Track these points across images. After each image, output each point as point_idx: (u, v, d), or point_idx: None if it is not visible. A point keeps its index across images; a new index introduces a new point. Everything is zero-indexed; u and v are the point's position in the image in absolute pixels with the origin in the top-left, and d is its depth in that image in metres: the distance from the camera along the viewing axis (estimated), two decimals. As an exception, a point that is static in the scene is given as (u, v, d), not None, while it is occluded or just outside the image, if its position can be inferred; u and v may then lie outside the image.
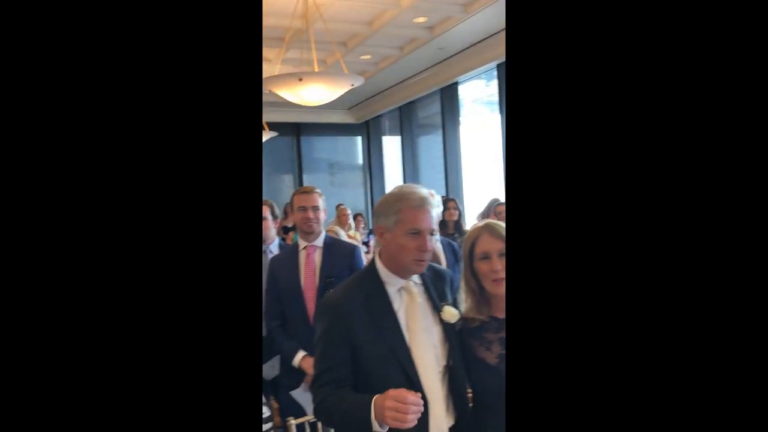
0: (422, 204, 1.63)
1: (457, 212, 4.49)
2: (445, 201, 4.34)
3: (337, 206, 6.69)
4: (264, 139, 7.00)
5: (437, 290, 1.73)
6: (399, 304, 1.67)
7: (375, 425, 1.41)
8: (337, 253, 2.84)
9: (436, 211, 1.67)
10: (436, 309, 1.69)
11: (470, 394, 1.73)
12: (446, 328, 1.69)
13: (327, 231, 3.13)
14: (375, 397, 1.42)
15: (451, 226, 4.37)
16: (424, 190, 1.68)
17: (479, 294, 1.68)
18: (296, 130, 9.44)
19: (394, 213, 1.65)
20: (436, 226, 1.66)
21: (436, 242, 1.60)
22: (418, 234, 1.62)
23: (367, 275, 1.74)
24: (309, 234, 2.92)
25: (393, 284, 1.69)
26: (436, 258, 3.44)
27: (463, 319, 1.70)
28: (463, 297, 1.73)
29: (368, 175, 9.98)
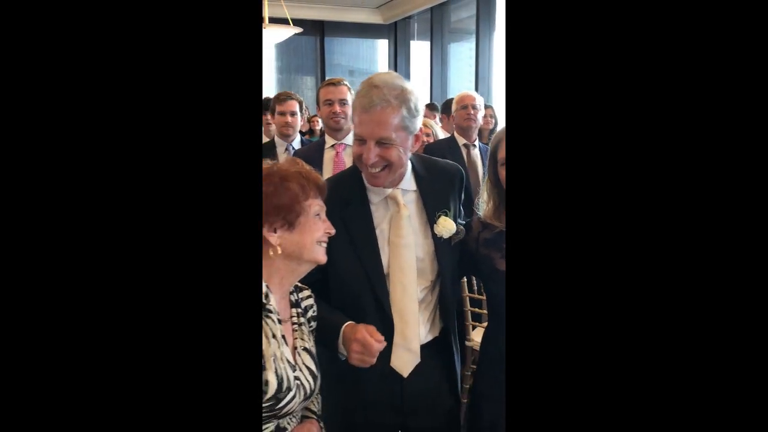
0: (369, 105, 1.38)
1: (493, 120, 4.20)
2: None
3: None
4: (287, 35, 6.65)
5: (438, 198, 1.53)
6: (383, 215, 1.51)
7: (340, 348, 1.39)
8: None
9: (410, 114, 1.42)
10: (431, 220, 1.51)
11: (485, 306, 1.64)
12: (440, 242, 1.52)
13: None
14: (344, 327, 1.38)
15: (485, 135, 4.09)
16: (390, 85, 1.40)
17: (500, 200, 1.54)
18: (320, 30, 9.01)
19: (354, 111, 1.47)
20: (392, 134, 1.39)
21: (399, 152, 1.44)
22: (363, 142, 1.42)
23: (349, 179, 1.55)
24: (337, 131, 2.67)
25: (376, 192, 1.51)
26: (472, 166, 3.19)
27: (482, 224, 1.57)
28: (485, 200, 1.58)
29: (393, 83, 9.54)
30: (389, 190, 1.50)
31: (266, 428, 1.27)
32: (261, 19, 0.86)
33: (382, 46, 9.73)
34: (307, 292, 1.46)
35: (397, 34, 9.32)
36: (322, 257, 1.33)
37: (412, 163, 1.54)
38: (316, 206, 1.32)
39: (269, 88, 8.60)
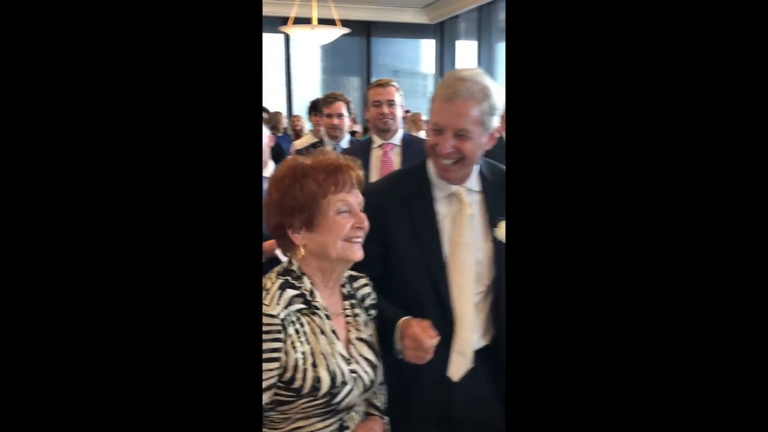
0: (452, 95, 1.37)
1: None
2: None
3: (407, 112, 6.36)
4: (336, 35, 6.68)
5: (501, 203, 1.48)
6: (446, 212, 1.48)
7: (397, 344, 1.34)
8: (417, 152, 2.54)
9: (490, 110, 1.40)
10: (492, 223, 1.48)
11: None
12: (499, 246, 1.48)
13: None
14: (400, 322, 1.34)
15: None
16: (475, 79, 1.39)
17: None
18: (366, 30, 9.03)
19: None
20: (471, 126, 1.37)
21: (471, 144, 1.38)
22: (440, 132, 1.39)
23: (416, 172, 1.54)
24: (384, 132, 2.65)
25: (442, 188, 1.49)
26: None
27: None
28: None
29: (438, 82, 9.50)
30: (455, 188, 1.48)
31: (329, 426, 1.25)
32: (261, 22, 0.85)
33: (427, 46, 9.68)
34: (363, 281, 1.42)
35: (443, 33, 9.26)
36: (353, 255, 1.26)
37: (479, 164, 1.52)
38: (338, 202, 1.24)
39: (315, 89, 8.67)
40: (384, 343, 1.37)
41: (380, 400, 1.41)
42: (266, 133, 2.52)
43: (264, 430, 1.24)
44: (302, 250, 1.27)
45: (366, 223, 1.27)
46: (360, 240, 1.27)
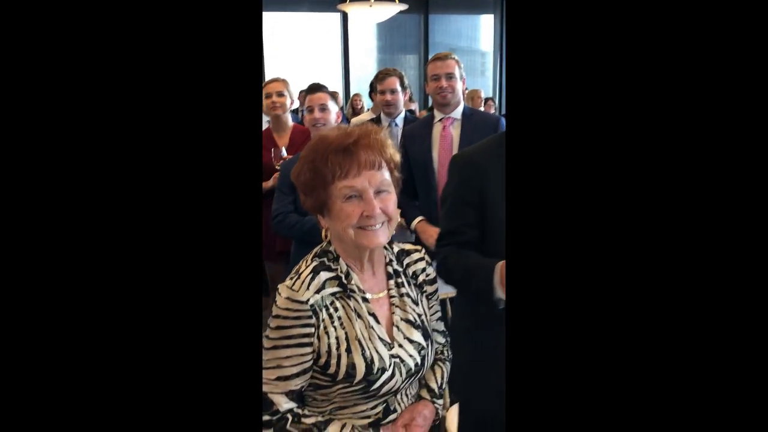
0: None
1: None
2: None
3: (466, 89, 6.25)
4: (393, 12, 6.64)
5: None
6: None
7: (498, 291, 1.28)
8: (477, 125, 2.51)
9: None
10: None
11: None
12: None
13: None
14: (500, 263, 1.28)
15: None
16: None
17: None
18: (424, 6, 8.90)
19: None
20: None
21: None
22: None
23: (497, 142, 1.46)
24: (444, 106, 2.62)
25: None
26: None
27: None
28: None
29: (499, 59, 9.29)
30: None
31: (373, 408, 1.23)
32: (261, 9, 0.79)
33: (485, 22, 9.48)
34: (416, 255, 1.36)
35: (504, 8, 9.03)
36: (368, 243, 1.18)
37: None
38: (344, 188, 1.14)
39: (371, 68, 8.65)
40: (482, 295, 1.31)
41: (436, 382, 1.36)
42: (334, 109, 2.55)
43: (307, 410, 1.23)
44: (326, 233, 1.24)
45: (376, 209, 1.15)
46: (376, 227, 1.17)
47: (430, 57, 2.77)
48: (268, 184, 2.81)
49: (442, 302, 1.95)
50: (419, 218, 2.53)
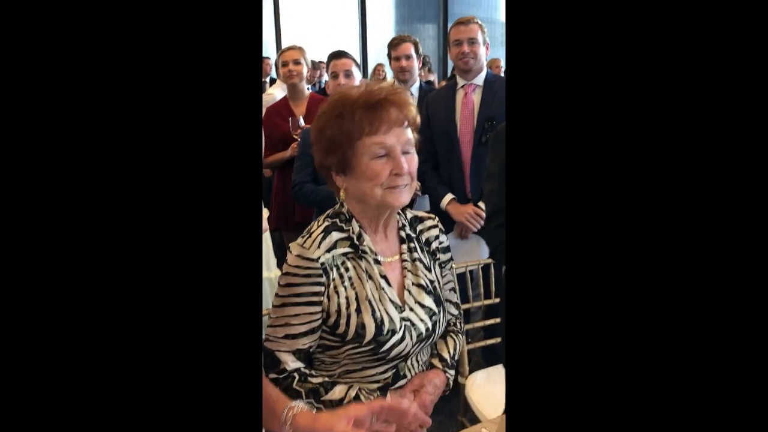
0: None
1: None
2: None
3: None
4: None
5: None
6: None
7: None
8: (500, 91, 2.45)
9: None
10: None
11: None
12: None
13: None
14: None
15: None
16: None
17: None
18: (443, -25, 8.76)
19: None
20: None
21: None
22: None
23: None
24: (466, 72, 2.56)
25: None
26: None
27: None
28: None
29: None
30: None
31: (382, 372, 1.21)
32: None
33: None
34: (430, 222, 1.33)
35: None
36: (394, 202, 1.15)
37: None
38: (373, 146, 1.11)
39: (389, 37, 8.54)
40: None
41: (448, 352, 1.34)
42: (359, 76, 2.52)
43: (314, 371, 1.22)
44: (343, 194, 1.21)
45: (405, 168, 1.13)
46: (402, 186, 1.15)
47: (449, 27, 2.70)
48: (286, 154, 2.79)
49: (464, 274, 1.93)
50: (449, 197, 2.49)
